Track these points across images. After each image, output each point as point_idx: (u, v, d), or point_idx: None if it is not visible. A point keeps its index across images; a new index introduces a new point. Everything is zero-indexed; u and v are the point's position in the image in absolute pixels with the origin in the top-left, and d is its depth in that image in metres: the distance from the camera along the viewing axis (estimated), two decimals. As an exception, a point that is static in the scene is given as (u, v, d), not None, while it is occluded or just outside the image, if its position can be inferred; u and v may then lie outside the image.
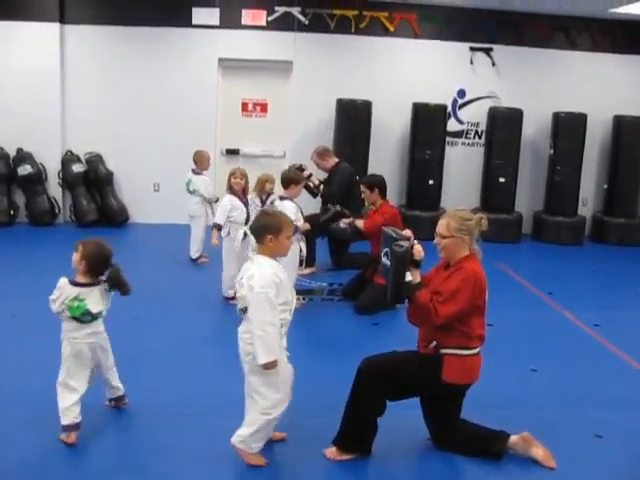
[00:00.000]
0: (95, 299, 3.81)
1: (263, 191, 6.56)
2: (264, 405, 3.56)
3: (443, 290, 3.62)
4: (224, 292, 6.49)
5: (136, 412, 4.17)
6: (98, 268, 3.82)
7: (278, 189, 6.51)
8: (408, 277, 3.58)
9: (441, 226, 3.79)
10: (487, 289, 3.75)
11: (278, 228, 3.57)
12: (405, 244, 3.60)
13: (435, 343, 3.71)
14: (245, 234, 5.99)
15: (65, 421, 3.75)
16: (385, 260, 3.79)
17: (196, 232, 7.82)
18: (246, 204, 6.55)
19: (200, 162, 7.97)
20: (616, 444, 4.09)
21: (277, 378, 3.53)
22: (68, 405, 3.76)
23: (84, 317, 3.77)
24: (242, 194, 6.64)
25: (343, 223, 6.99)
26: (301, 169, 7.43)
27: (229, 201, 6.51)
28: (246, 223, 6.39)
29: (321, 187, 7.83)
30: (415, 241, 3.70)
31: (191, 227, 7.91)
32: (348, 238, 7.35)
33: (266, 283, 3.44)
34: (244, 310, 3.53)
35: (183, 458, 3.68)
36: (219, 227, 6.47)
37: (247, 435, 3.59)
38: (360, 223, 6.62)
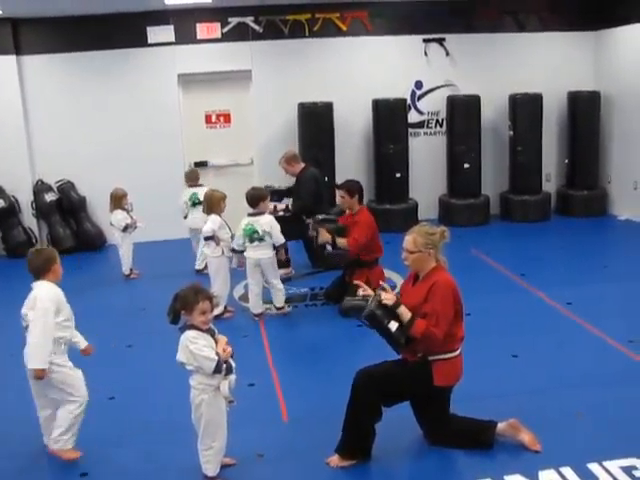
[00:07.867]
0: None
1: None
2: None
3: (430, 311, 3.82)
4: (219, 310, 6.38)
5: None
6: None
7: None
8: (394, 326, 3.75)
9: (408, 242, 3.99)
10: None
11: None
12: (364, 303, 3.80)
13: (422, 353, 3.93)
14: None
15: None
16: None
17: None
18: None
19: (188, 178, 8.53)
20: (596, 420, 4.34)
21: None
22: None
23: None
24: None
25: (328, 245, 6.62)
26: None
27: (220, 221, 6.59)
28: None
29: (289, 206, 8.02)
30: (380, 291, 3.90)
31: (192, 240, 8.39)
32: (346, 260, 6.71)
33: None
34: None
35: None
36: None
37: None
38: (344, 243, 6.53)
